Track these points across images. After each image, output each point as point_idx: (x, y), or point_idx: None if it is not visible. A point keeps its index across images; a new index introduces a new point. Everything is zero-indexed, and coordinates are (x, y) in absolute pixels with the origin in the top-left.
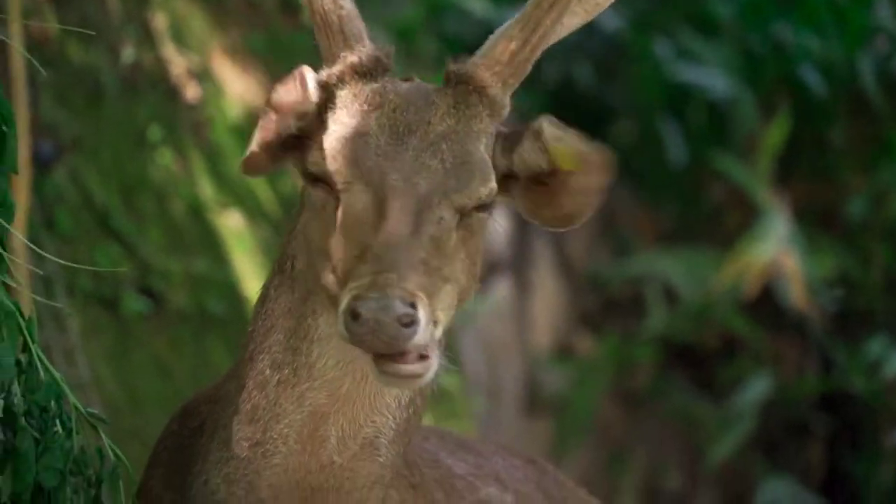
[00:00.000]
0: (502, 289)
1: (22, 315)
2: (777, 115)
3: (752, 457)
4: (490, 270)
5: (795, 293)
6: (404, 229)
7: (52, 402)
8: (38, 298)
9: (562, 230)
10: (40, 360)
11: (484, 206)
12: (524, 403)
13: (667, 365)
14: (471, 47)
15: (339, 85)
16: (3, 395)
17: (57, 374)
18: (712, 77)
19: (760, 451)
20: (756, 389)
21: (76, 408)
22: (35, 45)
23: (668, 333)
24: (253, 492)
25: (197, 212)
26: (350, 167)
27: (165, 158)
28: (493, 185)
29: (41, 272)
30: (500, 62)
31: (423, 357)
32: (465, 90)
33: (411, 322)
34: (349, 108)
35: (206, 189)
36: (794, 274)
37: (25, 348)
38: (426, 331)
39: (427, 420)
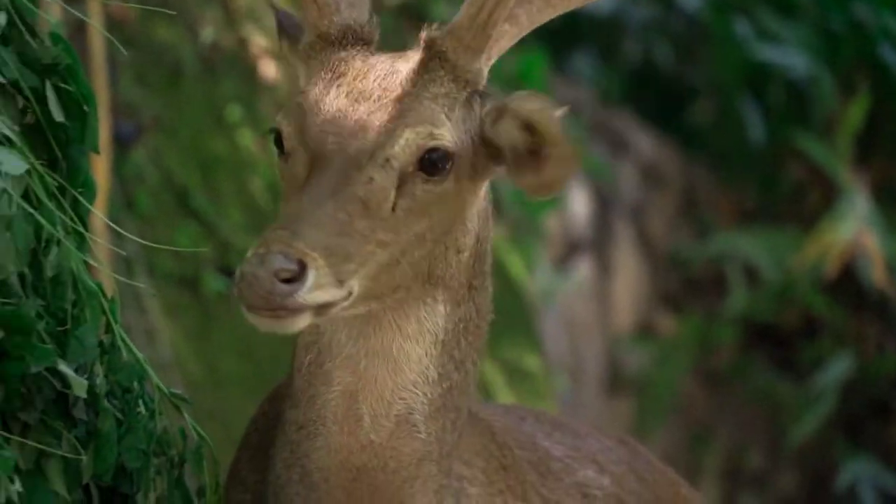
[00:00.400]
0: (584, 269)
1: (105, 295)
2: (856, 94)
3: (834, 436)
4: (571, 251)
5: (876, 272)
6: (323, 189)
7: (135, 383)
8: (120, 278)
9: (543, 197)
10: (123, 341)
11: (431, 174)
12: (606, 383)
13: (748, 345)
14: (551, 27)
15: (312, 54)
16: (86, 376)
17: (139, 355)
18: (792, 56)
19: (841, 430)
20: (837, 369)
21: (159, 388)
22: (115, 25)
23: (750, 313)
24: (306, 475)
25: (276, 191)
26: (296, 133)
27: (245, 138)
28: (435, 143)
29: (122, 252)
30: (462, 27)
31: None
32: (428, 56)
33: (292, 279)
34: (315, 77)
35: None
36: (874, 253)
37: (108, 329)
38: (317, 291)
39: (509, 400)
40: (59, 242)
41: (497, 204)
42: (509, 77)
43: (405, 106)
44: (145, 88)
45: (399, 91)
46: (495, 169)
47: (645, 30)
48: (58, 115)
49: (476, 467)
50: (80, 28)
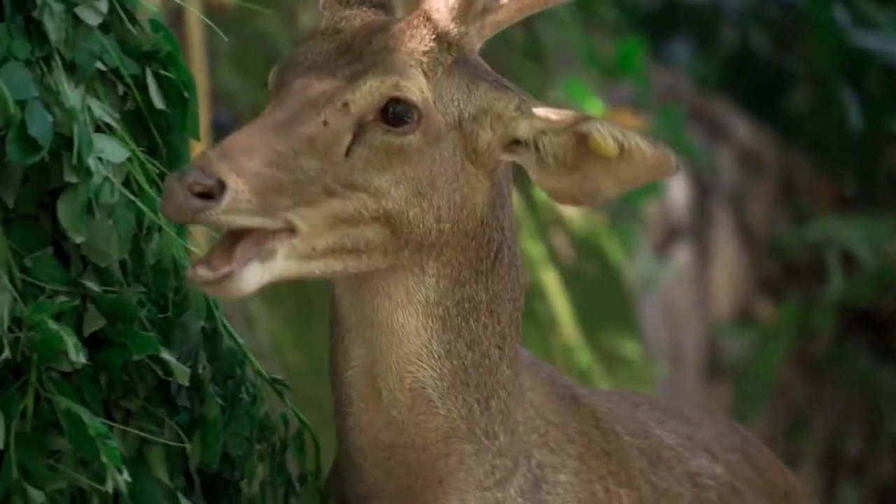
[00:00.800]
0: (683, 255)
1: None
2: None
3: None
4: (671, 237)
5: None
6: (270, 123)
7: (237, 370)
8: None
9: (573, 206)
10: (225, 328)
11: (392, 125)
12: (704, 370)
13: (846, 331)
14: (649, 14)
15: (325, 13)
16: (189, 364)
17: (241, 341)
18: (890, 42)
19: None
20: None
21: (260, 374)
22: (212, 12)
23: (848, 299)
24: (349, 456)
25: None
26: (276, 86)
27: None
28: (399, 94)
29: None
30: None
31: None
32: (417, 17)
33: (207, 194)
34: (320, 34)
35: None
36: None
37: (209, 316)
38: (234, 215)
39: (609, 386)
40: (160, 229)
41: None
42: (608, 64)
43: (379, 58)
44: (243, 76)
45: (380, 45)
46: (505, 159)
47: (742, 16)
48: (158, 102)
49: (566, 454)
50: (178, 16)
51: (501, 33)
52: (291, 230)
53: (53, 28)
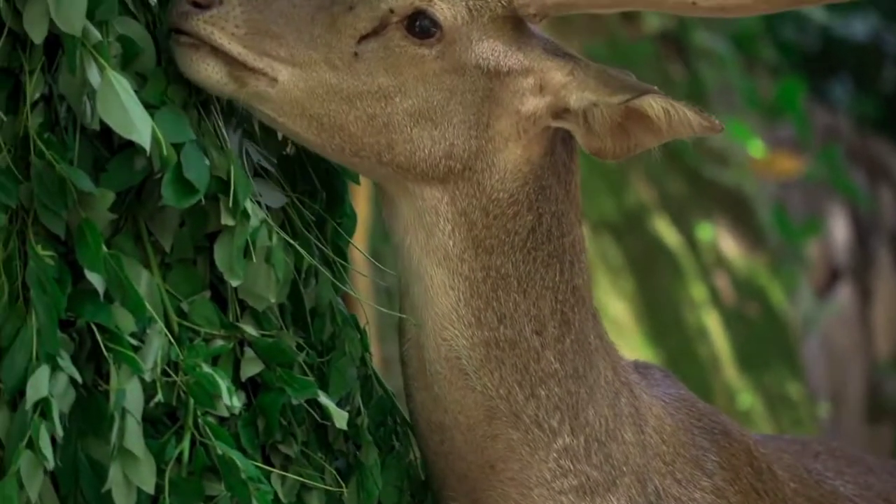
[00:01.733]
0: (844, 295)
1: (359, 328)
2: None
3: None
4: (832, 277)
5: None
6: None
7: (388, 417)
8: (381, 309)
9: (611, 161)
10: (374, 374)
11: (412, 33)
12: (867, 410)
13: None
14: (808, 55)
15: None
16: (347, 408)
17: (389, 388)
18: None
19: None
20: None
21: (407, 423)
22: None
23: None
24: (420, 449)
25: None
26: None
27: None
28: (430, 9)
29: (382, 283)
30: None
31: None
32: None
33: (202, 5)
34: None
35: None
36: None
37: (362, 362)
38: (216, 30)
39: (771, 428)
40: (317, 273)
41: (757, 232)
42: (768, 104)
43: None
44: None
45: None
46: (553, 125)
47: None
48: None
49: (697, 487)
50: None
51: (663, 77)
52: (273, 79)
53: None
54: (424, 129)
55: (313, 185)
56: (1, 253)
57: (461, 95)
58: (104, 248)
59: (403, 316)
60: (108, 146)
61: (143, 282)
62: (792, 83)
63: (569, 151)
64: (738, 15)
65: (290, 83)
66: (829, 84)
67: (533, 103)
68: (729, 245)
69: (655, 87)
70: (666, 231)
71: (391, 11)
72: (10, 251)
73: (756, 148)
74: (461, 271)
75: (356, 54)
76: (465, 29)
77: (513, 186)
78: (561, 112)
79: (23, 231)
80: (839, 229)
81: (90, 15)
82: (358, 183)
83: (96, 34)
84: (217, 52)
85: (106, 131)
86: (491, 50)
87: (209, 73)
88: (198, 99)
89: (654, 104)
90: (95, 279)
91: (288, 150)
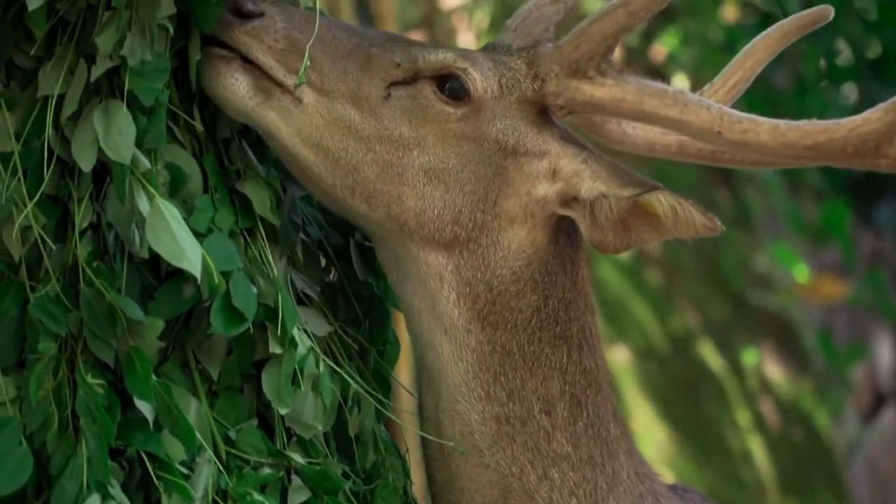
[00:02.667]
0: (889, 419)
1: (400, 455)
2: None
3: None
4: (877, 401)
5: None
6: (353, 28)
7: None
8: (427, 436)
9: (612, 254)
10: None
11: (442, 91)
12: None
13: None
14: (854, 178)
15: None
16: None
17: None
18: None
19: None
20: None
21: None
22: None
23: None
24: None
25: None
26: None
27: None
28: (461, 74)
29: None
30: (567, 41)
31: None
32: (529, 45)
33: (244, 15)
34: None
35: None
36: None
37: (405, 490)
38: (254, 41)
39: None
40: (360, 401)
41: (802, 356)
42: (813, 229)
43: (471, 51)
44: None
45: (487, 45)
46: (560, 213)
47: None
48: (361, 274)
49: None
50: None
51: (709, 201)
52: (297, 99)
53: (258, 199)
54: (436, 189)
55: (356, 313)
56: (51, 381)
57: (475, 165)
58: (153, 376)
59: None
60: (156, 274)
61: (192, 410)
62: (837, 207)
63: (573, 246)
64: (758, 155)
65: (314, 108)
66: (875, 207)
67: (544, 188)
68: (773, 369)
69: (661, 185)
70: (711, 356)
71: (426, 66)
72: (60, 379)
73: (801, 272)
74: (468, 342)
75: (384, 98)
76: (491, 102)
77: (516, 265)
78: (570, 200)
79: (72, 359)
80: (884, 353)
81: (138, 143)
82: (400, 310)
83: (145, 162)
84: (247, 67)
85: (154, 259)
86: (512, 129)
87: (236, 87)
88: (244, 226)
89: (663, 200)
90: (145, 407)
91: (331, 277)
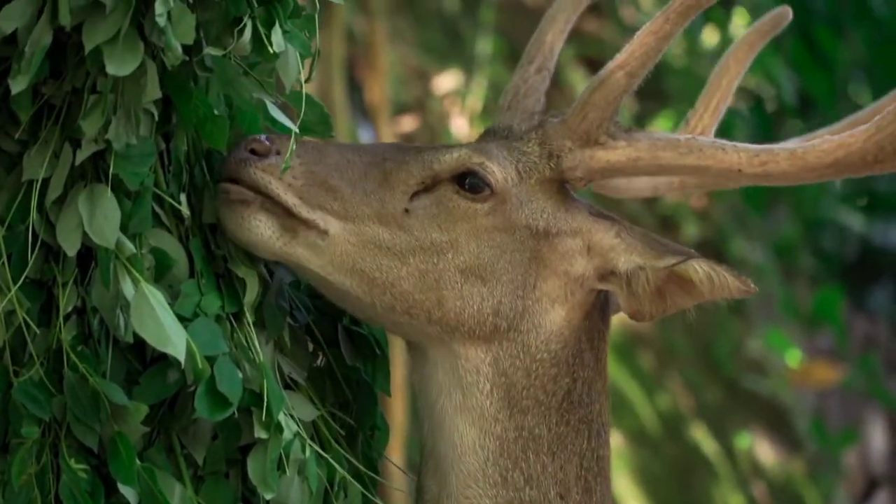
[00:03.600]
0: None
1: None
2: None
3: None
4: (870, 486)
5: None
6: (364, 146)
7: None
8: None
9: (646, 321)
10: None
11: (464, 188)
12: None
13: None
14: (847, 263)
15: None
16: None
17: None
18: None
19: None
20: None
21: None
22: None
23: None
24: None
25: None
26: None
27: None
28: (479, 169)
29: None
30: (573, 111)
31: (263, 197)
32: (537, 125)
33: (259, 153)
34: None
35: None
36: None
37: None
38: (272, 178)
39: None
40: (346, 486)
41: (795, 440)
42: (807, 314)
43: (482, 143)
44: None
45: (493, 135)
46: (599, 287)
47: None
48: (350, 358)
49: None
50: None
51: None
52: (324, 232)
53: (244, 284)
54: (475, 285)
55: (345, 397)
56: (34, 466)
57: (510, 254)
58: (137, 461)
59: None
60: (141, 359)
61: (177, 495)
62: (830, 293)
63: (604, 319)
64: (781, 183)
65: (342, 237)
66: (869, 292)
67: (581, 265)
68: (766, 453)
69: (695, 252)
70: (703, 440)
71: (443, 169)
72: (43, 464)
73: (794, 357)
74: (494, 431)
75: (408, 210)
76: (514, 190)
77: (556, 348)
78: (607, 274)
79: (55, 444)
80: (877, 438)
81: (124, 227)
82: (388, 393)
83: (130, 247)
84: (268, 206)
85: (138, 344)
86: (540, 211)
87: (261, 229)
88: (230, 311)
89: (699, 269)
90: (129, 493)
91: (319, 362)
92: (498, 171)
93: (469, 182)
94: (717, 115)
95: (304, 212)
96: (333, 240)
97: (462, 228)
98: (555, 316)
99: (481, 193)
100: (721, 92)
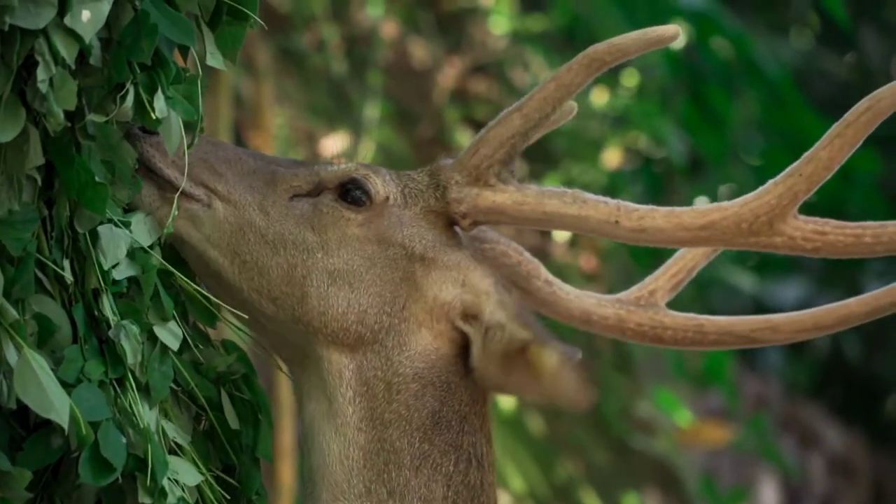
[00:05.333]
0: None
1: None
2: None
3: None
4: None
5: None
6: (259, 153)
7: None
8: None
9: (496, 393)
10: None
11: (343, 198)
12: None
13: None
14: None
15: None
16: None
17: None
18: None
19: None
20: None
21: None
22: None
23: None
24: None
25: None
26: None
27: None
28: (361, 179)
29: None
30: (468, 150)
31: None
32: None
33: (148, 131)
34: None
35: None
36: None
37: None
38: (157, 153)
39: None
40: None
41: (685, 501)
42: (697, 374)
43: (375, 166)
44: None
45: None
46: (458, 325)
47: None
48: (234, 423)
49: None
50: None
51: (589, 347)
52: (207, 206)
53: (130, 350)
54: (341, 289)
55: (230, 461)
56: None
57: (380, 269)
58: None
59: None
60: (24, 424)
61: None
62: (720, 354)
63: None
64: (658, 241)
65: (222, 214)
66: (761, 351)
67: (451, 294)
68: None
69: (567, 347)
70: (592, 502)
71: (328, 177)
72: None
73: (684, 418)
74: (357, 441)
75: (287, 207)
76: (396, 210)
77: (420, 367)
78: (471, 316)
79: None
80: (769, 496)
81: (6, 293)
82: (269, 459)
83: (13, 313)
84: (151, 176)
85: (22, 409)
86: (420, 237)
87: (141, 197)
88: (114, 376)
89: (553, 356)
90: None
91: (202, 426)
92: (380, 184)
93: (351, 195)
94: (674, 283)
95: (186, 185)
96: (215, 213)
97: (334, 233)
98: (421, 339)
99: (359, 202)
100: (683, 264)
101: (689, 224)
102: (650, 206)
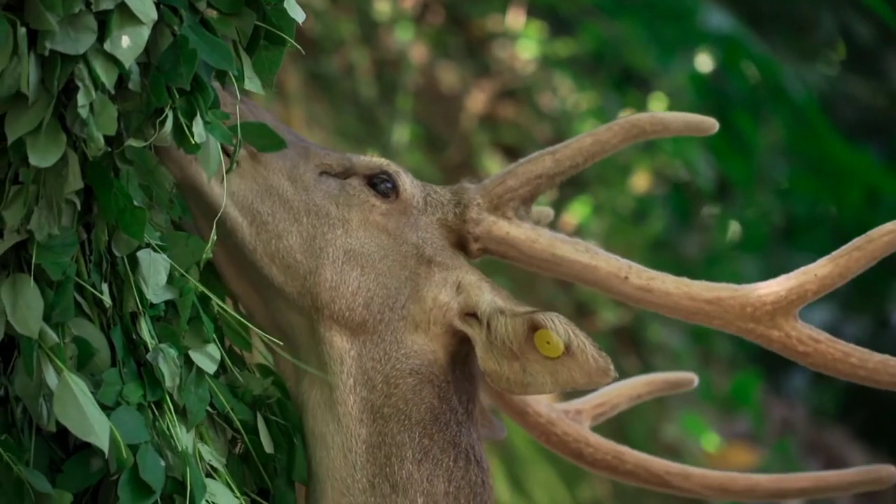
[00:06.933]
0: None
1: None
2: None
3: None
4: None
5: None
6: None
7: None
8: None
9: (508, 392)
10: None
11: (370, 184)
12: None
13: None
14: (764, 347)
15: None
16: None
17: None
18: None
19: None
20: None
21: None
22: None
23: None
24: None
25: None
26: None
27: None
28: (390, 173)
29: None
30: (492, 180)
31: None
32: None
33: None
34: None
35: (503, 493)
36: None
37: None
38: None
39: None
40: None
41: None
42: (724, 398)
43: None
44: None
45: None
46: (457, 326)
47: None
48: (268, 447)
49: None
50: None
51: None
52: (236, 162)
53: (168, 373)
54: (354, 269)
55: (265, 484)
56: None
57: (391, 262)
58: None
59: None
60: (64, 447)
61: None
62: (747, 377)
63: (471, 383)
64: (662, 305)
65: (250, 173)
66: (787, 375)
67: (448, 295)
68: None
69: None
70: None
71: (360, 165)
72: None
73: (710, 442)
74: (360, 433)
75: (316, 181)
76: (416, 212)
77: (416, 363)
78: (469, 315)
79: None
80: None
81: (46, 317)
82: (304, 482)
83: (53, 336)
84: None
85: (62, 432)
86: (431, 241)
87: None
88: (152, 399)
89: (554, 322)
90: None
91: (237, 449)
92: (409, 184)
93: (380, 187)
94: (596, 413)
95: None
96: (242, 171)
97: (356, 214)
98: (417, 339)
99: (385, 193)
100: (608, 399)
101: (697, 295)
102: (662, 273)
